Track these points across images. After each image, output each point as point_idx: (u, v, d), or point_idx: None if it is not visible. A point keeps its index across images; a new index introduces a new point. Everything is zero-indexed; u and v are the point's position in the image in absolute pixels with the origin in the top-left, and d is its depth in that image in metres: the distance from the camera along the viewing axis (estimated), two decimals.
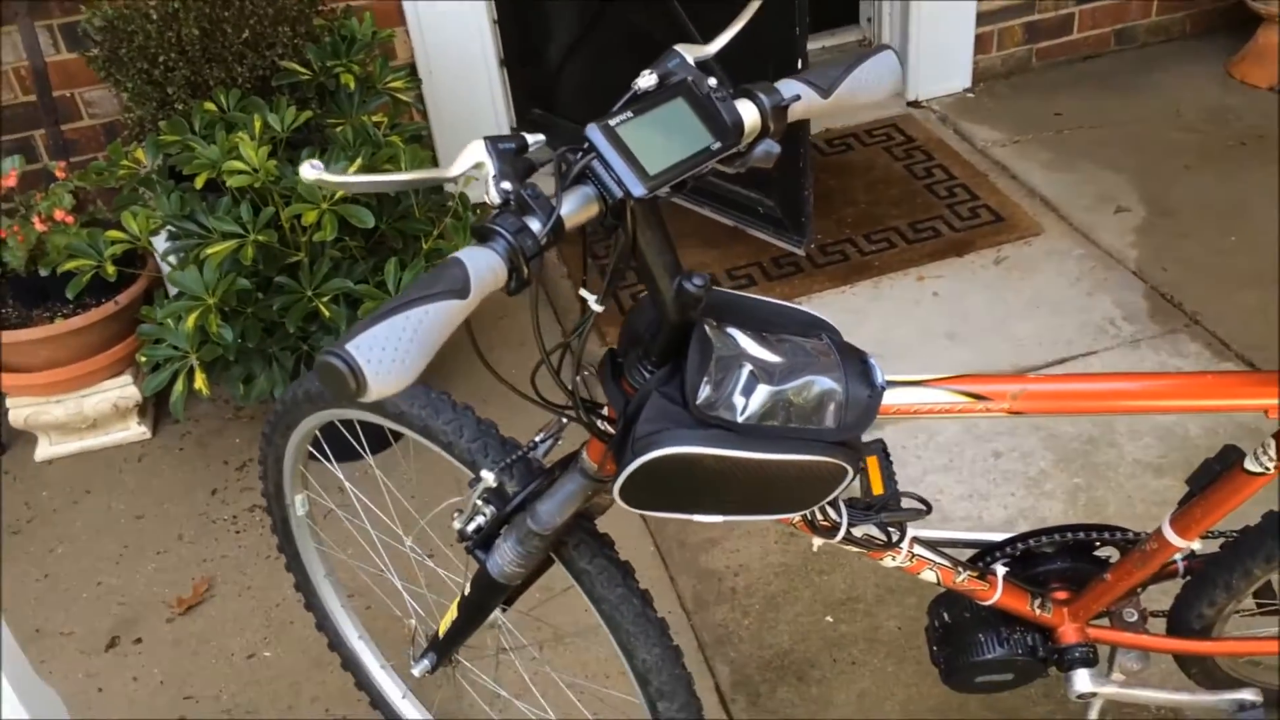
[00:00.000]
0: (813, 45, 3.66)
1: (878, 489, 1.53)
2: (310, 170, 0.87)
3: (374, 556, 1.71)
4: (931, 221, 3.09)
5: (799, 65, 2.47)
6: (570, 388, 1.09)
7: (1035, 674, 1.56)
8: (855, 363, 1.12)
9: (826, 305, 2.86)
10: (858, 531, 1.32)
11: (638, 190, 0.92)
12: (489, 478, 1.24)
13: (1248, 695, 1.52)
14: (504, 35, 3.24)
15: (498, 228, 0.87)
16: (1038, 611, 1.51)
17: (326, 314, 2.11)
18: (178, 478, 2.54)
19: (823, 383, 1.08)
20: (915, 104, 3.64)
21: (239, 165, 2.05)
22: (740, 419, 1.05)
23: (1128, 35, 3.80)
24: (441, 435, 1.31)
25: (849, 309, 2.84)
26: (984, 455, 2.38)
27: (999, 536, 1.54)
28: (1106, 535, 1.50)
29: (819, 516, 1.27)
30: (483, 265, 0.85)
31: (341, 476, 1.62)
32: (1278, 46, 3.45)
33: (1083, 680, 1.51)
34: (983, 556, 1.56)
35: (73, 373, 2.51)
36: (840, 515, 1.29)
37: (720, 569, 2.21)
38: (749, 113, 1.04)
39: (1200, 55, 3.75)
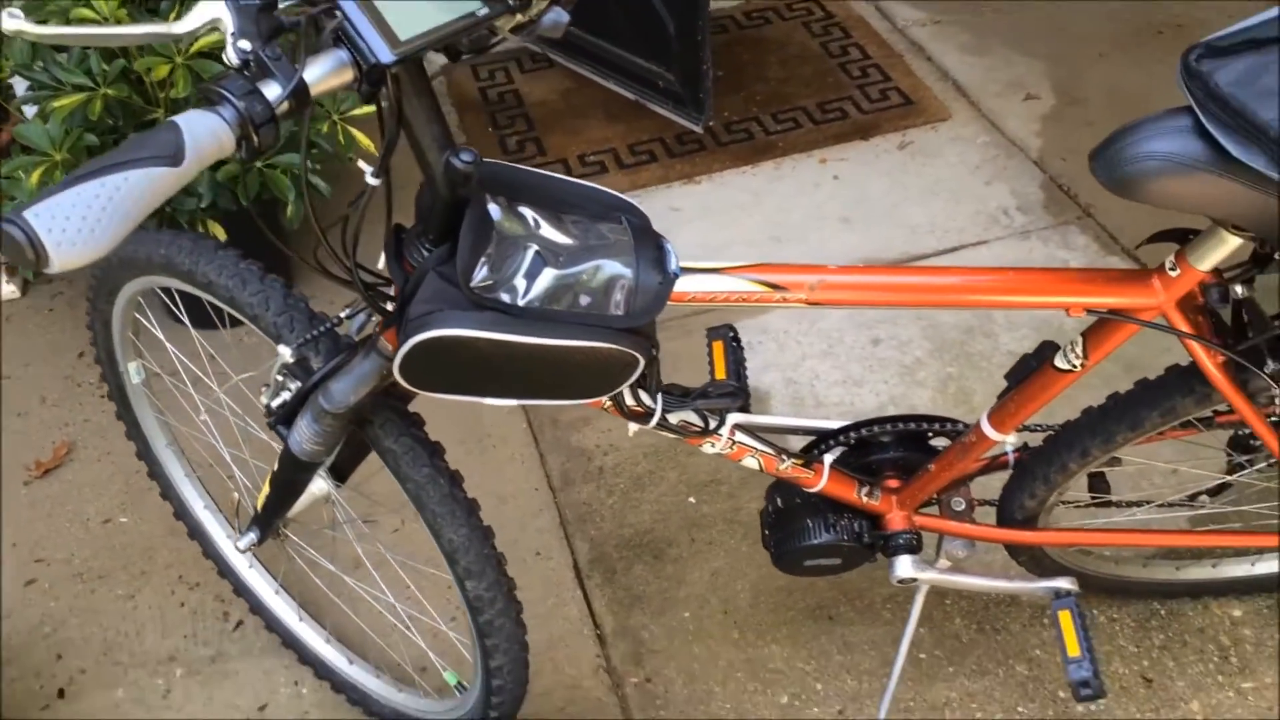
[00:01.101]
0: None
1: (720, 374, 1.52)
2: (9, 20, 0.80)
3: (203, 426, 1.67)
4: (840, 103, 3.02)
5: None
6: (350, 261, 1.04)
7: (862, 559, 1.58)
8: (650, 248, 1.08)
9: (726, 185, 2.81)
10: (673, 418, 1.30)
11: (385, 57, 0.86)
12: (285, 353, 1.20)
13: (1064, 584, 1.54)
14: None
15: (225, 91, 0.81)
16: (865, 499, 1.52)
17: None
18: (45, 339, 2.47)
19: (612, 267, 1.04)
20: None
21: (88, 13, 1.94)
22: (521, 302, 1.01)
23: None
24: (248, 307, 1.27)
25: (748, 189, 2.79)
26: (863, 342, 2.38)
27: (834, 424, 1.54)
28: (937, 426, 1.51)
29: (630, 402, 1.25)
30: (203, 131, 0.79)
31: (166, 342, 1.57)
32: None
33: (904, 566, 1.53)
34: (818, 444, 1.55)
35: None
36: (654, 401, 1.27)
37: (590, 448, 2.20)
38: None
39: None
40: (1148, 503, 1.65)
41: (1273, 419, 1.29)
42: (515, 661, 1.42)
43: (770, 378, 2.32)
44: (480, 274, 0.99)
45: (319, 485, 1.54)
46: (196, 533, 1.84)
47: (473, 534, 1.29)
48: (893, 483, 1.56)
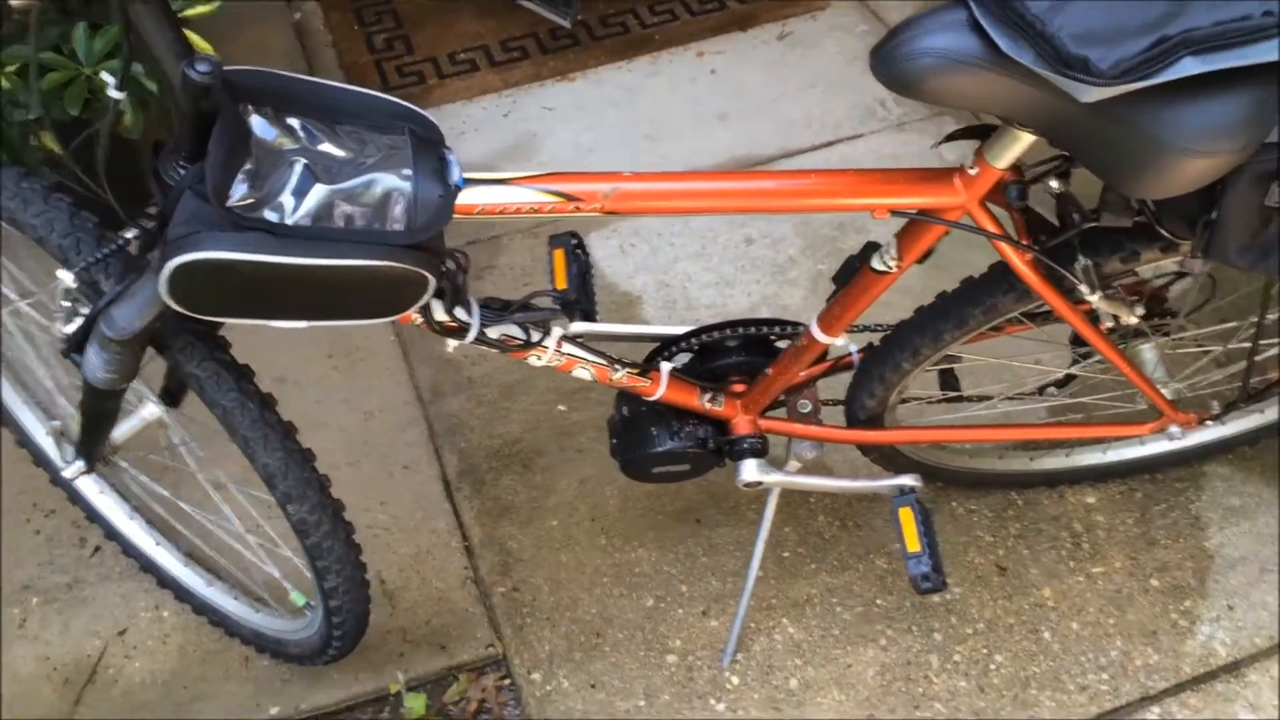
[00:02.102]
0: None
1: (560, 283, 1.49)
2: None
3: (30, 352, 1.61)
4: None
5: None
6: (103, 183, 0.98)
7: (710, 465, 1.58)
8: (432, 159, 1.03)
9: (602, 82, 2.74)
10: (493, 333, 1.27)
11: None
12: (66, 277, 1.14)
13: (907, 480, 1.55)
14: None
15: None
16: (708, 405, 1.51)
17: (6, 85, 1.91)
18: None
19: (388, 181, 1.00)
20: None
21: None
22: (290, 221, 0.97)
23: None
24: (31, 229, 1.20)
25: (624, 86, 2.72)
26: (736, 242, 2.35)
27: (675, 330, 1.52)
28: (778, 330, 1.49)
29: (442, 317, 1.22)
30: None
31: None
32: None
33: (749, 470, 1.53)
34: (662, 351, 1.54)
35: None
36: (470, 316, 1.24)
37: (460, 359, 2.17)
38: None
39: None
40: (996, 398, 1.66)
41: (1091, 312, 1.29)
42: (351, 582, 1.40)
43: (642, 280, 2.30)
44: (239, 191, 0.94)
45: (150, 410, 1.50)
46: (40, 460, 1.79)
47: (289, 457, 1.26)
48: (738, 388, 1.55)
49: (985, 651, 1.71)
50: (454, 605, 1.82)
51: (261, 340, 2.15)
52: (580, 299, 1.56)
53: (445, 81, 2.79)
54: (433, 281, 1.05)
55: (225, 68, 0.97)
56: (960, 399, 1.64)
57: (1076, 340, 1.56)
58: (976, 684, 1.68)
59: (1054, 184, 1.20)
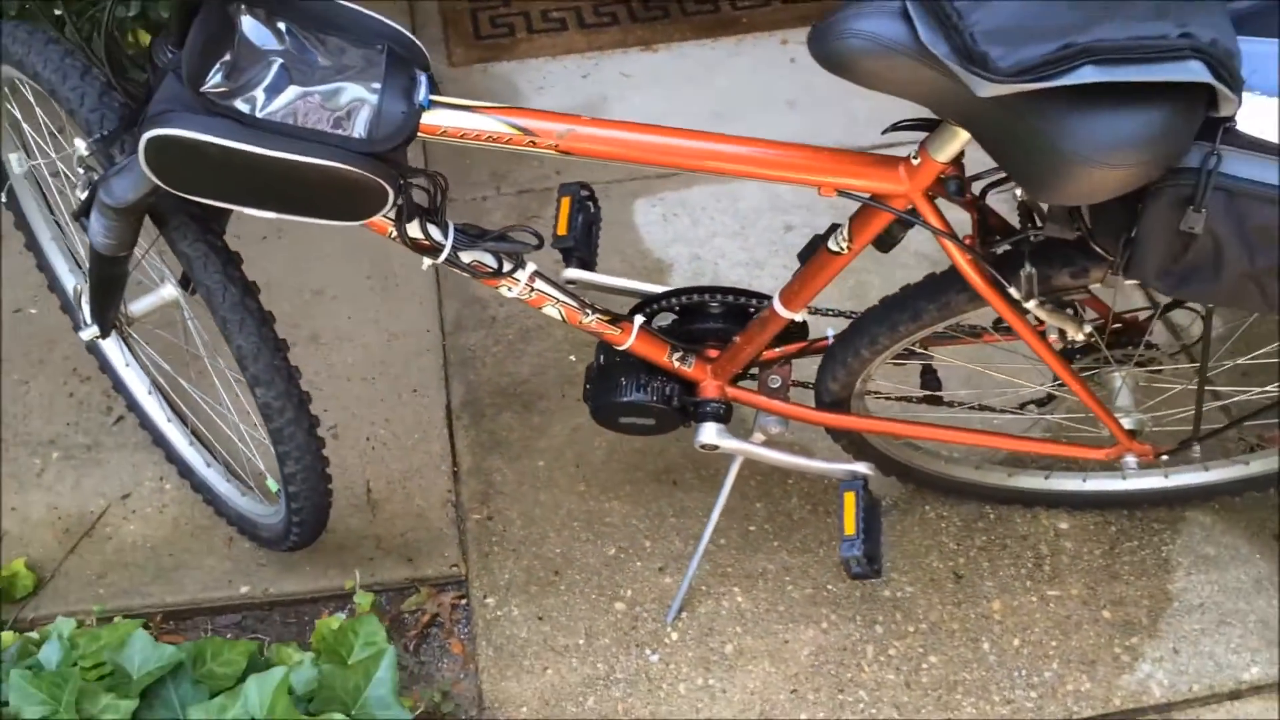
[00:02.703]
0: None
1: (562, 229, 1.56)
2: None
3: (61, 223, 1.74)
4: None
5: None
6: (110, 63, 1.09)
7: (674, 423, 1.63)
8: (403, 78, 1.11)
9: (683, 56, 2.80)
10: (465, 257, 1.35)
11: None
12: (81, 146, 1.25)
13: (860, 468, 1.59)
14: None
15: None
16: (676, 364, 1.57)
17: None
18: None
19: (355, 91, 1.08)
20: None
21: None
22: (259, 114, 1.05)
23: None
24: (65, 100, 1.32)
25: (703, 63, 2.77)
26: (776, 226, 2.39)
27: (655, 289, 1.58)
28: (753, 301, 1.54)
29: (416, 234, 1.29)
30: None
31: (31, 135, 1.62)
32: None
33: (708, 432, 1.58)
34: (643, 306, 1.60)
35: None
36: (445, 237, 1.32)
37: (487, 297, 2.26)
38: None
39: None
40: (968, 404, 1.69)
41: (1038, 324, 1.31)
42: (309, 471, 1.50)
43: (677, 250, 2.35)
44: (214, 79, 1.03)
45: (169, 291, 1.62)
46: (78, 327, 1.93)
47: (262, 343, 1.36)
48: (712, 353, 1.60)
49: (921, 650, 1.74)
50: (430, 524, 1.92)
51: (307, 252, 2.30)
52: (579, 247, 1.63)
53: (533, 37, 2.88)
54: (390, 193, 1.13)
55: None
56: (936, 399, 1.67)
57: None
58: (905, 679, 1.70)
59: (1019, 191, 1.22)
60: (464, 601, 1.83)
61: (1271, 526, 1.87)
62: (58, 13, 1.56)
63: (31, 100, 1.55)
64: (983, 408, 1.70)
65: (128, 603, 1.80)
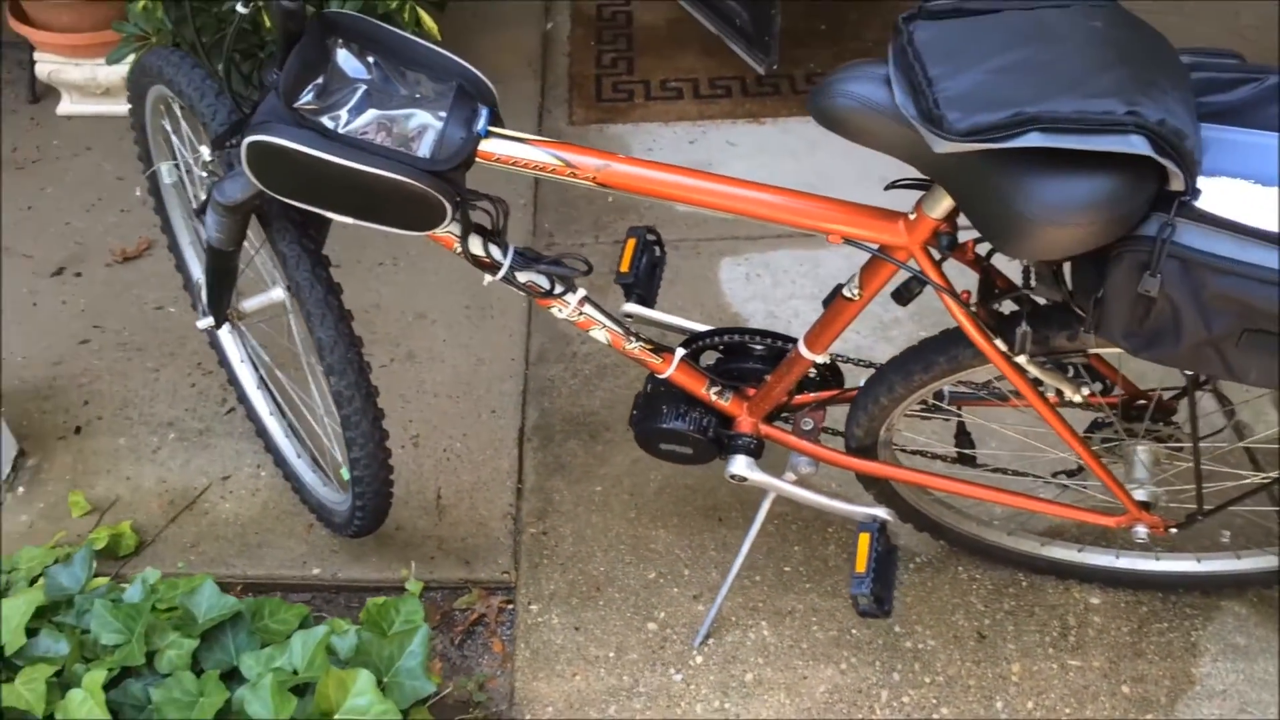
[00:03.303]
0: None
1: (624, 267, 1.72)
2: None
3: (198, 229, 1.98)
4: None
5: None
6: (221, 70, 1.29)
7: (710, 454, 1.75)
8: (466, 110, 1.29)
9: (788, 131, 2.95)
10: (522, 276, 1.51)
11: None
12: (205, 152, 1.47)
13: (880, 513, 1.67)
14: None
15: None
16: (714, 397, 1.69)
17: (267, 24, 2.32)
18: None
19: (423, 117, 1.26)
20: None
21: None
22: (341, 130, 1.24)
23: None
24: (202, 115, 1.54)
25: (806, 139, 2.91)
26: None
27: (700, 327, 1.71)
28: (781, 343, 1.66)
29: (478, 251, 1.46)
30: None
31: (177, 145, 1.86)
32: None
33: (738, 464, 1.70)
34: (690, 342, 1.73)
35: (89, 39, 2.83)
36: (504, 256, 1.48)
37: (572, 335, 2.43)
38: None
39: None
40: (1006, 469, 1.76)
41: (1037, 381, 1.40)
42: (373, 459, 1.67)
43: (754, 307, 2.48)
44: (306, 98, 1.23)
45: (278, 293, 1.83)
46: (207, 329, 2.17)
47: (339, 336, 1.54)
48: (749, 391, 1.72)
49: (934, 701, 1.79)
50: (489, 532, 2.07)
51: (415, 280, 2.52)
52: (639, 284, 1.78)
53: (650, 103, 3.08)
54: (449, 207, 1.30)
55: (331, 12, 1.27)
56: (968, 458, 1.75)
57: (1092, 429, 1.63)
58: None
59: None
60: (510, 606, 1.97)
61: None
62: (203, 40, 1.81)
63: (180, 116, 1.79)
64: (1013, 472, 1.77)
65: (213, 570, 1.99)
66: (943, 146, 1.06)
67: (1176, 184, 1.07)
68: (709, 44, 3.21)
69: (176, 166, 1.97)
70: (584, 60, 3.22)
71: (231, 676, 1.55)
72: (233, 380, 2.17)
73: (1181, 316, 1.12)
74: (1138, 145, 1.02)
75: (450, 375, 2.35)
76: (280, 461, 2.09)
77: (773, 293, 2.51)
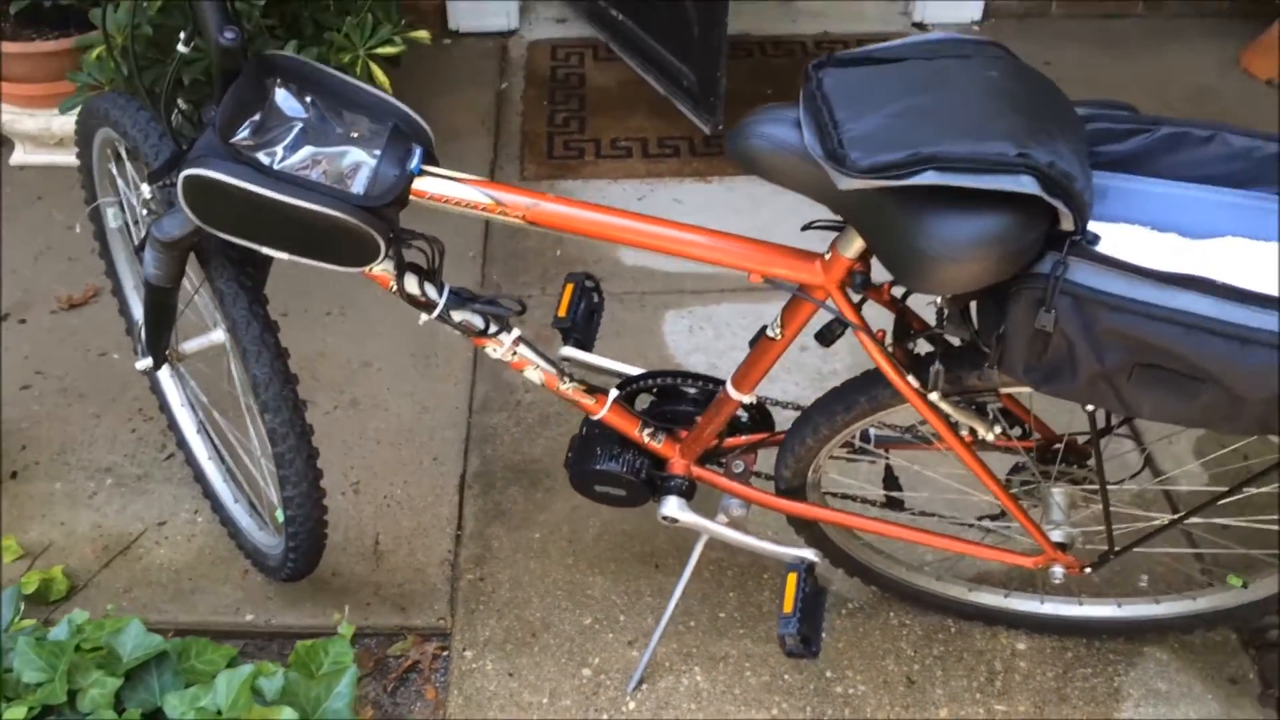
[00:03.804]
0: None
1: (562, 311, 1.76)
2: None
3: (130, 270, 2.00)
4: None
5: None
6: (166, 116, 1.33)
7: (642, 496, 1.77)
8: (400, 149, 1.33)
9: (733, 190, 3.02)
10: (456, 315, 1.54)
11: None
12: (146, 190, 1.49)
13: (808, 554, 1.70)
14: None
15: None
16: (647, 439, 1.72)
17: None
18: None
19: (358, 155, 1.30)
20: (920, 25, 3.68)
21: None
22: (276, 165, 1.28)
23: (1157, 1, 3.73)
24: (146, 156, 1.57)
25: (752, 196, 2.99)
26: (793, 348, 2.53)
27: (633, 370, 1.75)
28: (712, 386, 1.69)
29: (413, 290, 1.49)
30: None
31: (122, 188, 1.89)
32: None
33: (669, 505, 1.72)
34: (625, 385, 1.76)
35: (44, 90, 2.86)
36: (439, 295, 1.51)
37: (516, 383, 2.45)
38: None
39: (1224, 35, 3.66)
40: (931, 513, 1.79)
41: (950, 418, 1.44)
42: (305, 498, 1.68)
43: (697, 359, 2.52)
44: (243, 134, 1.26)
45: (218, 335, 1.84)
46: (146, 374, 2.17)
47: (274, 374, 1.56)
48: (682, 433, 1.75)
49: None
50: (427, 578, 2.07)
51: (362, 329, 2.54)
52: (577, 329, 1.82)
53: (600, 161, 3.14)
54: (381, 244, 1.33)
55: (271, 52, 1.31)
56: (900, 504, 1.78)
57: (1014, 472, 1.68)
58: None
59: (939, 297, 1.37)
60: (445, 652, 1.97)
61: (1227, 669, 1.90)
62: (155, 90, 1.85)
63: (125, 159, 1.82)
64: (938, 516, 1.81)
65: (145, 615, 1.96)
66: (846, 183, 1.11)
67: (1067, 224, 1.13)
68: (658, 105, 3.30)
69: (121, 210, 1.99)
70: (537, 119, 3.29)
71: (155, 717, 1.54)
72: (172, 425, 2.17)
73: (1076, 351, 1.17)
74: (1027, 185, 1.08)
75: (394, 423, 2.37)
76: (218, 506, 2.09)
77: (715, 345, 2.56)
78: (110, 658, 1.57)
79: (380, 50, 2.53)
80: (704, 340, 2.57)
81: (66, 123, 2.92)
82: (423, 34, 2.70)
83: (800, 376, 2.46)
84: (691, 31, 2.88)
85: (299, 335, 2.50)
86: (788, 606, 1.63)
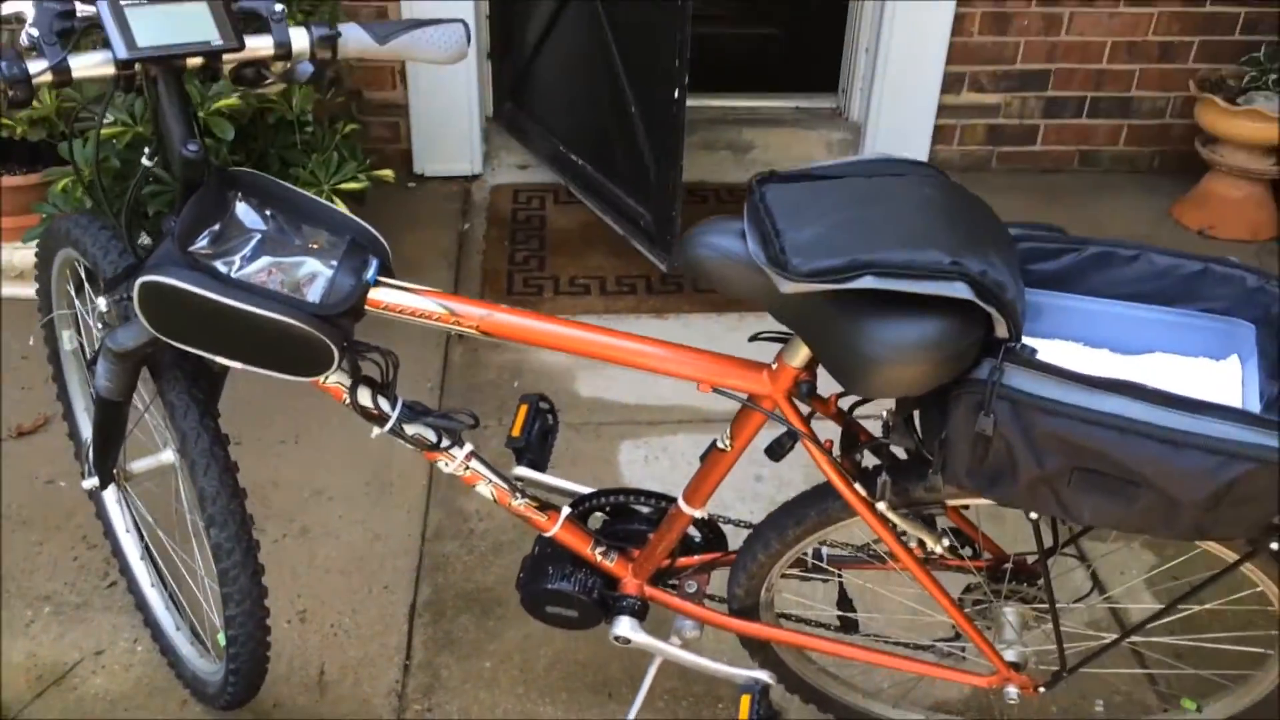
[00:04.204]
0: (788, 104, 3.91)
1: (515, 432, 1.77)
2: None
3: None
4: None
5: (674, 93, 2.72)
6: (120, 221, 1.35)
7: (595, 617, 1.75)
8: (357, 261, 1.36)
9: (689, 326, 3.08)
10: (409, 429, 1.54)
11: (121, 53, 1.19)
12: (101, 303, 1.51)
13: (762, 676, 1.68)
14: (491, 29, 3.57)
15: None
16: (599, 558, 1.71)
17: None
18: None
19: (314, 265, 1.33)
20: None
21: None
22: (234, 274, 1.30)
23: (1091, 158, 3.92)
24: (102, 271, 1.59)
25: (707, 333, 3.05)
26: (747, 477, 2.56)
27: (584, 489, 1.75)
28: (665, 503, 1.70)
29: (366, 403, 1.50)
30: None
31: (79, 309, 1.90)
32: (1218, 195, 3.54)
33: (622, 625, 1.70)
34: (576, 504, 1.76)
35: (9, 224, 2.91)
36: (392, 409, 1.53)
37: (470, 512, 2.44)
38: (299, 36, 1.30)
39: (1157, 191, 3.85)
40: (883, 637, 1.78)
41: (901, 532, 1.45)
42: (249, 616, 1.64)
43: (652, 487, 2.52)
44: (201, 243, 1.29)
45: (168, 455, 1.83)
46: (92, 495, 2.15)
47: (222, 487, 1.55)
48: (636, 552, 1.75)
49: None
50: (372, 710, 2.02)
51: (316, 458, 2.53)
52: (531, 449, 1.83)
53: (558, 297, 3.20)
54: (336, 353, 1.35)
55: (235, 169, 1.36)
56: (850, 622, 1.78)
57: (967, 591, 1.68)
58: None
59: (885, 411, 1.40)
60: None
61: None
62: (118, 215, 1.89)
63: (84, 279, 1.84)
64: (893, 639, 1.80)
65: None
66: (788, 287, 1.15)
67: (1001, 330, 1.17)
68: (616, 246, 3.38)
69: (77, 332, 2.00)
70: (497, 257, 3.36)
71: None
72: (116, 550, 2.14)
73: (1016, 455, 1.20)
74: (960, 290, 1.12)
75: (344, 551, 2.34)
76: (158, 635, 2.04)
77: (670, 475, 2.57)
78: None
79: (345, 186, 2.60)
80: (660, 470, 2.57)
81: (28, 255, 2.95)
82: (387, 173, 2.78)
83: (756, 505, 2.47)
84: (648, 175, 2.99)
85: (252, 463, 2.48)
86: None
